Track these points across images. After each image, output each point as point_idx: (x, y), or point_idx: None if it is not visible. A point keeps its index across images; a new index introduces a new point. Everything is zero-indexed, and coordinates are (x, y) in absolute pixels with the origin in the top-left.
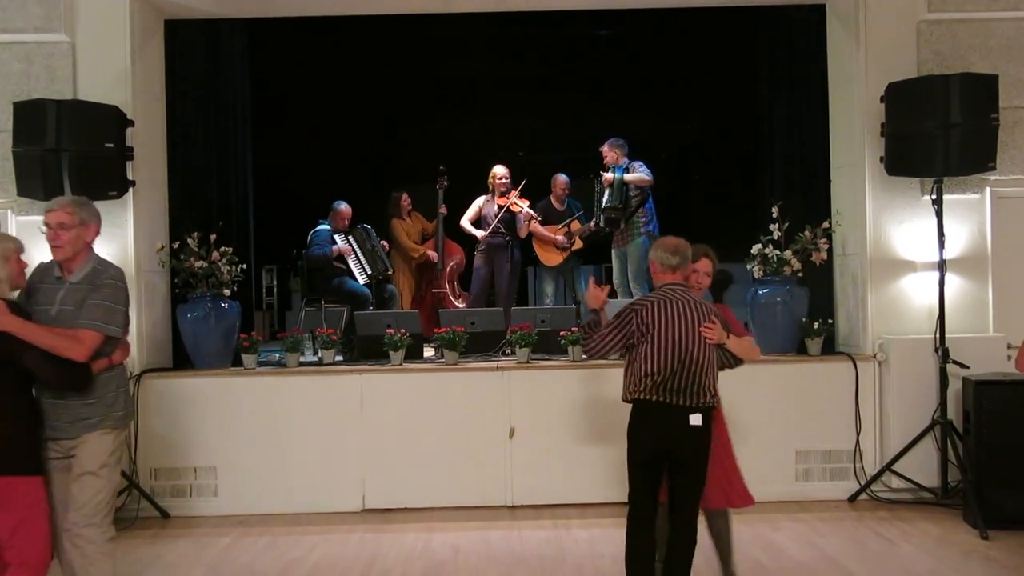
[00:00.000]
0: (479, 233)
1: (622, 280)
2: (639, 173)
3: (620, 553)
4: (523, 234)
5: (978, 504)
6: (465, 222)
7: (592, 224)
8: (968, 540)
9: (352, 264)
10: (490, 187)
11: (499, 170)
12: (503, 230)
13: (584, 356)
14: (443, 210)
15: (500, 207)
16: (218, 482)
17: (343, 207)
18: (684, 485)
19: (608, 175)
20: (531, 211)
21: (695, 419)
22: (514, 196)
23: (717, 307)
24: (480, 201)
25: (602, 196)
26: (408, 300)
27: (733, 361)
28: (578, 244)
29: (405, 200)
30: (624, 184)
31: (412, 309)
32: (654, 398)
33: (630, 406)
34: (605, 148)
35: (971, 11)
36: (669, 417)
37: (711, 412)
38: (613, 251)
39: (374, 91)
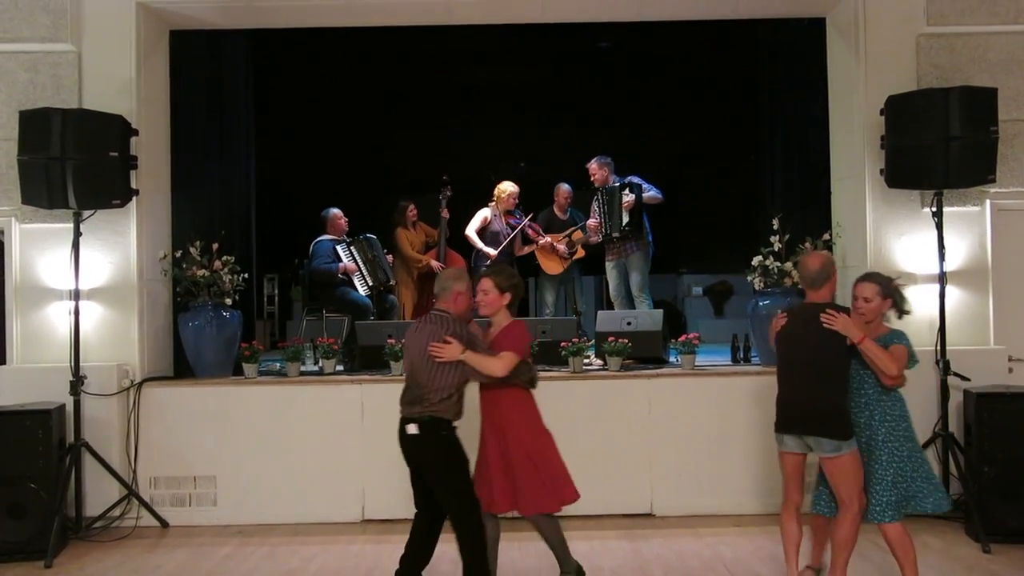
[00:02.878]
0: (491, 251)
1: (619, 292)
2: (653, 193)
3: (619, 566)
4: (520, 252)
5: (980, 517)
6: (472, 233)
7: (600, 235)
8: (970, 554)
9: (354, 277)
10: (496, 203)
11: (510, 187)
12: (510, 249)
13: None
14: (445, 214)
15: (511, 226)
16: (218, 491)
17: (333, 212)
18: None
19: (628, 199)
20: (544, 236)
21: (411, 428)
22: (527, 224)
23: (471, 325)
24: (486, 213)
25: (610, 207)
26: (410, 310)
27: (482, 376)
28: (580, 253)
29: (412, 211)
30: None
31: (414, 319)
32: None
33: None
34: (594, 166)
35: (970, 25)
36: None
37: (432, 422)
38: (608, 264)
39: (376, 101)
